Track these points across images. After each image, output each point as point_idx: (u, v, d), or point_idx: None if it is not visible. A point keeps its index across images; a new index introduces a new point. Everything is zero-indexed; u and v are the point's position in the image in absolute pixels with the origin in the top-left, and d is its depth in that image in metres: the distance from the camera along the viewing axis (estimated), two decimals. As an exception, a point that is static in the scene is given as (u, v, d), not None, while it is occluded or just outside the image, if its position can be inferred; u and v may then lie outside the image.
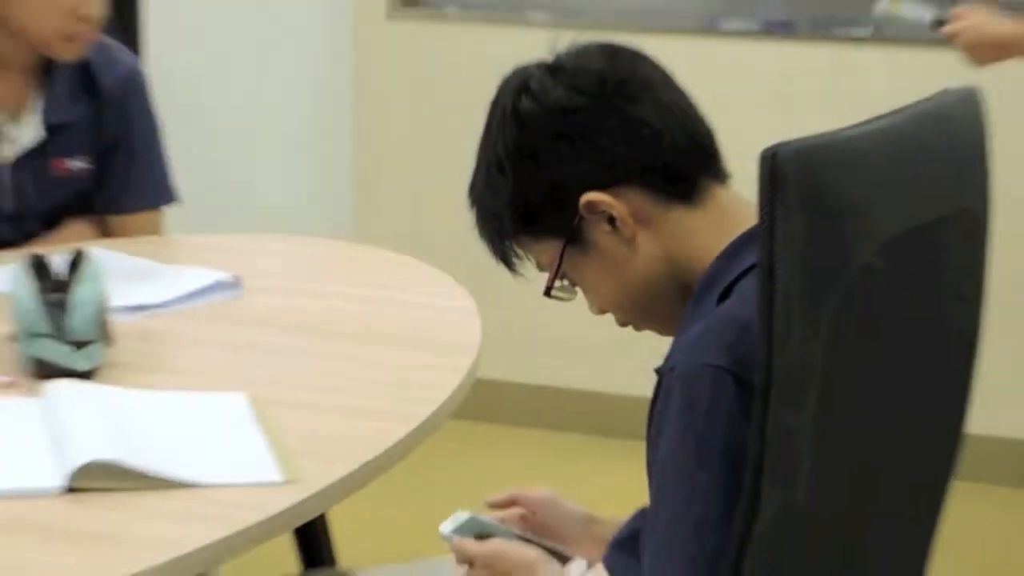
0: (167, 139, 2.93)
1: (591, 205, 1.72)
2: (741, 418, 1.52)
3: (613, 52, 1.84)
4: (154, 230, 2.89)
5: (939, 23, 3.09)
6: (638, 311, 1.84)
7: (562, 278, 1.83)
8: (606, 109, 1.79)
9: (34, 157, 2.73)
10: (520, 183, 1.80)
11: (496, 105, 1.83)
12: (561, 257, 1.79)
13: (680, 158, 1.77)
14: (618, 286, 1.82)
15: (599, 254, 1.79)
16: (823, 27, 4.15)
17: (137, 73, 2.85)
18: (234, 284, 2.56)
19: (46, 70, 2.73)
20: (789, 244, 1.47)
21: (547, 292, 1.84)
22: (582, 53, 1.82)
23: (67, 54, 2.68)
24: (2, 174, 2.73)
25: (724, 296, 1.65)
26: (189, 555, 1.64)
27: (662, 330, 1.82)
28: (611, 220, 1.74)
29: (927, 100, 1.68)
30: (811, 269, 1.50)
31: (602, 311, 1.85)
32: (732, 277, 1.65)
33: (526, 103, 1.79)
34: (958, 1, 3.29)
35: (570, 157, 1.78)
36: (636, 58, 1.85)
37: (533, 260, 1.87)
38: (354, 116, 4.41)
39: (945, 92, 1.70)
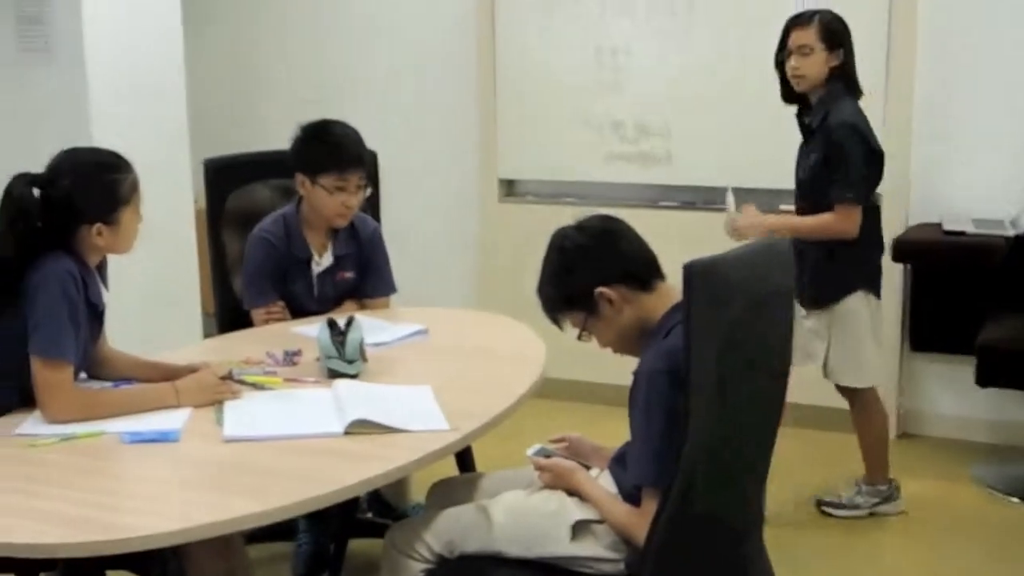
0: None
1: (601, 294, 2.73)
2: (671, 393, 2.48)
3: (605, 217, 2.85)
4: (387, 306, 4.09)
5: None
6: (621, 346, 2.81)
7: (584, 331, 2.83)
8: (606, 246, 2.78)
9: (329, 272, 4.01)
10: (565, 285, 2.80)
11: (550, 247, 2.83)
12: (585, 321, 2.81)
13: (642, 269, 2.76)
14: (613, 334, 2.80)
15: (603, 318, 2.76)
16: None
17: (376, 229, 4.12)
18: (425, 332, 3.68)
19: (333, 229, 4.02)
20: (697, 306, 2.40)
21: (579, 338, 2.84)
22: (591, 218, 2.82)
23: (340, 223, 3.98)
24: (314, 281, 3.98)
25: (666, 336, 2.63)
26: (400, 467, 2.66)
27: (633, 354, 2.75)
28: (610, 301, 2.74)
29: (767, 237, 2.79)
30: (708, 317, 2.40)
31: (604, 346, 2.84)
32: (669, 327, 2.63)
33: (565, 243, 2.80)
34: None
35: (589, 270, 2.75)
36: (616, 220, 2.85)
37: (569, 322, 2.85)
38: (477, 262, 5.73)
39: (771, 238, 2.81)
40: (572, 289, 2.78)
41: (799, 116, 4.41)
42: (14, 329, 2.92)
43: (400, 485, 3.65)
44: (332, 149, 3.88)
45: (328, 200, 3.89)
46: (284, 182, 4.20)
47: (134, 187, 3.06)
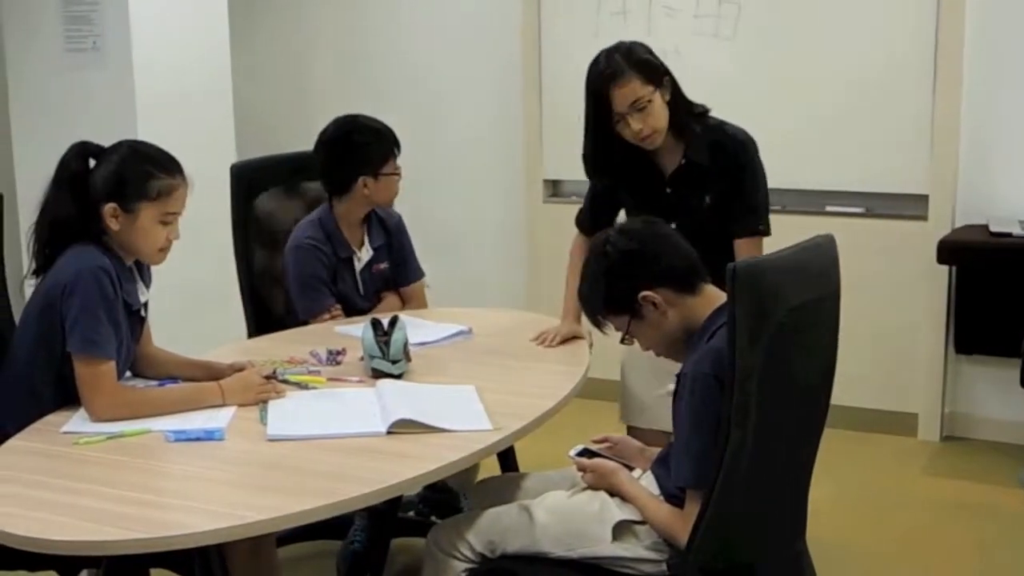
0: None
1: (646, 297, 2.72)
2: (716, 396, 2.47)
3: (647, 220, 2.87)
4: (421, 291, 4.19)
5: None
6: (665, 349, 2.82)
7: (628, 334, 2.83)
8: (649, 250, 2.75)
9: (368, 266, 4.08)
10: (608, 289, 2.78)
11: (592, 252, 2.82)
12: (629, 325, 2.80)
13: (686, 272, 2.74)
14: (657, 338, 2.79)
15: (648, 322, 2.76)
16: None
17: (400, 217, 4.20)
18: (469, 332, 3.72)
19: (366, 223, 4.10)
20: (742, 310, 2.39)
21: (622, 341, 2.84)
22: (633, 221, 2.85)
23: (390, 204, 4.08)
24: (358, 277, 4.06)
25: (710, 338, 2.63)
26: (444, 467, 2.66)
27: (677, 358, 2.76)
28: (654, 304, 2.71)
29: (812, 238, 2.62)
30: (752, 320, 2.39)
31: (647, 349, 2.85)
32: (714, 329, 2.62)
33: (608, 248, 2.76)
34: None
35: (632, 274, 2.72)
36: (658, 223, 2.86)
37: (612, 326, 2.83)
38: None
39: (819, 236, 2.64)
40: (615, 293, 2.77)
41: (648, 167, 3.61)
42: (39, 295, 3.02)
43: (467, 473, 3.65)
44: (385, 138, 4.02)
45: (388, 186, 4.05)
46: (309, 184, 4.32)
47: (167, 192, 3.06)
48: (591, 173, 3.66)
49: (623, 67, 3.41)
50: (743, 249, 3.49)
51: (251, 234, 4.26)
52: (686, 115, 3.51)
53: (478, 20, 6.26)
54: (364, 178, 3.99)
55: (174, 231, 3.09)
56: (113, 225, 3.02)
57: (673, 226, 3.28)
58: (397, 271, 4.21)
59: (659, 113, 3.43)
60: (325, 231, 4.01)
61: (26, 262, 3.14)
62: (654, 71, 3.45)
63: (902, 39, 5.19)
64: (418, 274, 4.24)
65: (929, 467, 5.06)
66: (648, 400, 3.57)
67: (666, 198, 3.56)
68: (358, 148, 4.00)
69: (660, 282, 2.73)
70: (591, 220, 3.71)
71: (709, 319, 2.70)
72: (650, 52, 3.51)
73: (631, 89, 3.39)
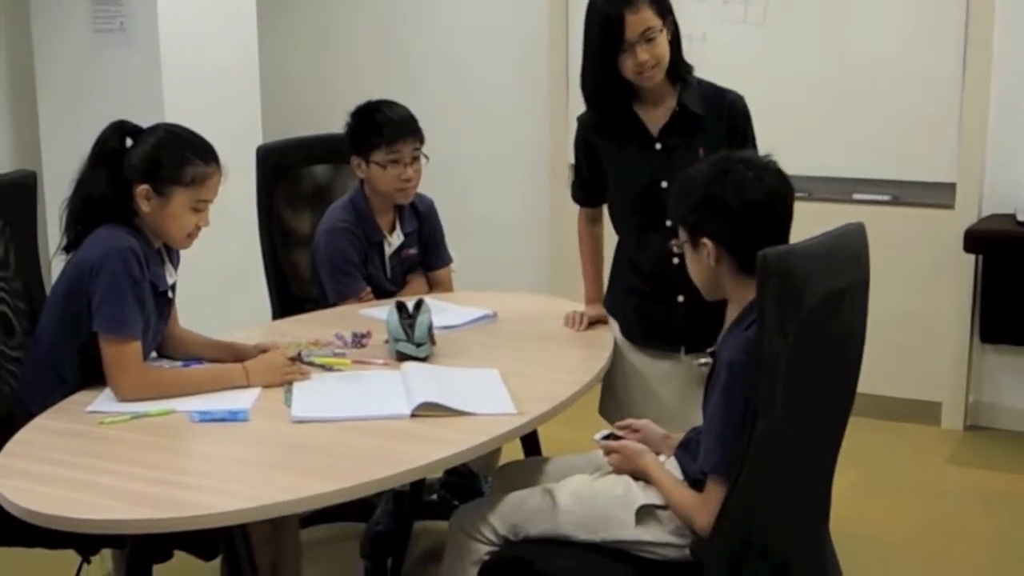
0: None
1: (703, 243, 2.68)
2: (749, 385, 2.45)
3: (781, 186, 2.70)
4: (449, 276, 4.19)
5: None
6: (704, 289, 2.77)
7: (680, 251, 2.81)
8: (748, 215, 2.63)
9: (398, 251, 4.06)
10: (689, 206, 2.72)
11: (718, 166, 2.71)
12: (683, 246, 2.77)
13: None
14: (698, 277, 2.77)
15: (698, 258, 2.73)
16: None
17: (432, 202, 4.17)
18: (494, 316, 3.72)
19: (398, 207, 4.07)
20: (771, 298, 2.38)
21: (670, 251, 2.97)
22: (773, 173, 2.69)
23: (402, 199, 4.03)
24: (387, 261, 4.03)
25: (748, 327, 2.56)
26: (467, 450, 2.68)
27: (710, 298, 2.77)
28: (708, 253, 2.67)
29: (842, 227, 2.59)
30: (782, 308, 2.39)
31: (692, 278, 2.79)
32: (752, 318, 2.51)
33: (731, 177, 2.65)
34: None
35: (713, 217, 2.67)
36: (784, 198, 2.70)
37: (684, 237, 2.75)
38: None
39: (849, 224, 2.62)
40: (688, 215, 2.76)
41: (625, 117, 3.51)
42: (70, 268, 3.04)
43: (489, 456, 3.66)
44: (378, 125, 3.94)
45: (383, 176, 3.95)
46: (333, 167, 4.34)
47: (201, 179, 3.07)
48: (593, 103, 3.52)
49: None
50: None
51: (276, 216, 4.26)
52: (682, 61, 3.48)
53: (505, 4, 6.24)
54: (357, 159, 3.98)
55: (204, 218, 3.10)
56: (144, 207, 3.03)
57: (664, 185, 3.34)
58: (427, 256, 4.20)
59: (664, 48, 3.38)
60: (357, 214, 4.00)
61: (52, 240, 3.15)
62: (664, 4, 3.41)
63: (931, 26, 5.17)
64: (447, 259, 4.23)
65: (952, 456, 5.05)
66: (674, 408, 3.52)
67: (656, 155, 3.46)
68: (350, 128, 4.02)
69: (726, 242, 2.70)
70: (583, 192, 3.69)
71: (750, 305, 2.64)
72: None
73: (644, 17, 3.33)
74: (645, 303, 3.49)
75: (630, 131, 3.45)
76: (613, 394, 3.62)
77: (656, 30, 3.34)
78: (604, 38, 3.36)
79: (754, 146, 3.44)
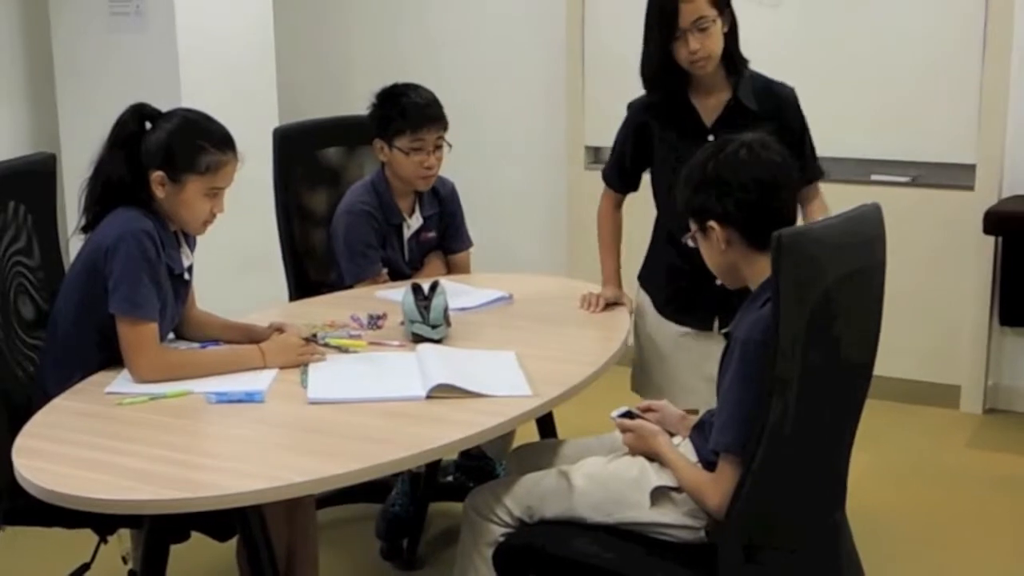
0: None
1: (711, 228, 2.69)
2: (764, 364, 2.42)
3: (784, 165, 2.71)
4: (467, 260, 4.17)
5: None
6: (720, 275, 2.80)
7: (692, 238, 2.78)
8: (751, 193, 2.65)
9: (416, 233, 4.06)
10: (694, 192, 2.73)
11: (720, 148, 2.71)
12: (695, 234, 2.77)
13: (765, 232, 2.48)
14: (712, 262, 2.78)
15: (709, 243, 2.74)
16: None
17: (454, 186, 4.16)
18: (509, 298, 3.72)
19: (418, 192, 4.05)
20: (786, 278, 2.37)
21: (684, 241, 2.83)
22: (773, 151, 2.71)
23: (423, 186, 4.02)
24: (406, 244, 4.03)
25: (763, 305, 2.54)
26: (483, 432, 2.69)
27: (729, 285, 2.80)
28: (717, 237, 2.68)
29: (858, 207, 2.58)
30: (797, 288, 2.39)
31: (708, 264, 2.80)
32: (767, 296, 2.49)
33: (726, 157, 2.68)
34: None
35: (717, 200, 2.67)
36: (785, 179, 2.71)
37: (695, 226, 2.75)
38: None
39: (865, 205, 2.60)
40: (692, 200, 2.76)
41: (677, 105, 3.57)
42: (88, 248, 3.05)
43: (503, 439, 3.67)
44: (403, 110, 3.92)
45: (405, 162, 3.94)
46: (350, 149, 4.33)
47: (216, 168, 3.07)
48: (651, 87, 3.57)
49: None
50: (814, 195, 3.58)
51: (293, 197, 4.24)
52: (737, 54, 3.52)
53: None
54: (380, 142, 3.96)
55: (219, 205, 3.11)
56: (159, 193, 3.04)
57: None
58: (447, 239, 4.19)
59: (717, 38, 3.43)
60: (378, 196, 3.99)
61: (70, 222, 3.15)
62: None
63: (950, 6, 5.14)
64: (467, 243, 4.22)
65: (971, 440, 5.03)
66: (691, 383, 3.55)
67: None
68: (374, 110, 4.00)
69: (735, 224, 2.70)
70: (619, 178, 3.70)
71: (766, 283, 2.62)
72: None
73: (698, 6, 3.38)
74: (683, 280, 3.52)
75: (685, 120, 3.50)
76: (644, 370, 3.66)
77: (709, 20, 3.38)
78: (660, 24, 3.42)
79: (810, 141, 3.54)
